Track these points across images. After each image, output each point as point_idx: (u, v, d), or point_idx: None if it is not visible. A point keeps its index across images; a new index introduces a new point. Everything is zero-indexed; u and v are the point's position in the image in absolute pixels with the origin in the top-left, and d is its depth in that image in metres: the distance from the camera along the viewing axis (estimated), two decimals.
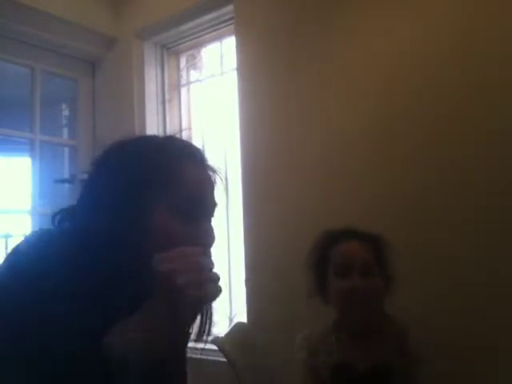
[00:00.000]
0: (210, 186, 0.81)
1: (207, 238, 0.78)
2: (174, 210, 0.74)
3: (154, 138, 0.86)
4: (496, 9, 1.58)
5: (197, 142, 2.62)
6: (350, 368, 1.22)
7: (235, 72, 2.24)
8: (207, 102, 2.58)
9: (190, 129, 2.63)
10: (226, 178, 0.85)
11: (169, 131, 2.59)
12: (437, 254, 1.58)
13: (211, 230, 0.79)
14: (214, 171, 0.85)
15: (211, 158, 0.86)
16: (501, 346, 1.43)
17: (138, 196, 0.74)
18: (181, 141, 0.85)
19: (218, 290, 0.67)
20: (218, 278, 0.68)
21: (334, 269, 1.26)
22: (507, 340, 1.44)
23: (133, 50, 2.59)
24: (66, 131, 2.90)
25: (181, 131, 2.61)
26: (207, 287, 0.65)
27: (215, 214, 0.83)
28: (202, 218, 0.78)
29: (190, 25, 2.44)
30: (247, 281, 2.08)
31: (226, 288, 2.36)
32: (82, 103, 2.71)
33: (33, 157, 2.46)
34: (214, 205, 0.82)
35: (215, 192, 0.82)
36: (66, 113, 2.91)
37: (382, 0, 1.82)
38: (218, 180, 0.85)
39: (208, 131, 2.56)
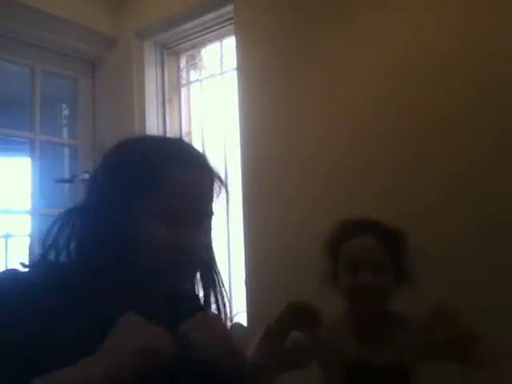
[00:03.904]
0: (200, 192, 0.79)
1: (188, 244, 0.75)
2: (159, 214, 0.74)
3: (147, 140, 0.84)
4: (497, 9, 1.58)
5: (196, 142, 2.62)
6: (367, 364, 1.22)
7: (235, 72, 2.24)
8: (207, 102, 2.58)
9: (189, 129, 2.64)
10: (226, 183, 0.86)
11: (169, 131, 2.59)
12: (439, 247, 1.59)
13: (196, 236, 0.77)
14: (214, 178, 0.83)
15: (213, 165, 0.84)
16: (500, 345, 1.42)
17: (124, 202, 0.74)
18: (177, 144, 0.83)
19: None
20: None
21: (343, 263, 1.27)
22: (507, 336, 1.44)
23: (133, 50, 2.59)
24: (65, 131, 2.90)
25: (180, 131, 2.61)
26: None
27: (210, 221, 0.82)
28: (188, 224, 0.76)
29: (189, 25, 2.44)
30: (247, 281, 2.08)
31: (226, 288, 2.36)
32: (82, 103, 2.71)
33: (33, 157, 2.46)
34: (207, 212, 0.81)
35: (210, 199, 0.82)
36: (66, 113, 2.91)
37: (383, 0, 1.82)
38: (217, 187, 0.84)
39: (208, 131, 2.56)
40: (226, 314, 0.88)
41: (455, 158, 1.63)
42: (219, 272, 0.91)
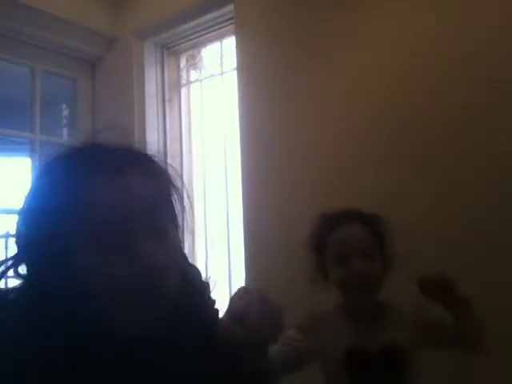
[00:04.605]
0: (134, 199, 0.63)
1: (135, 266, 0.60)
2: (95, 240, 0.60)
3: (55, 163, 0.67)
4: (498, 8, 1.58)
5: (196, 143, 2.59)
6: (363, 351, 1.22)
7: (235, 72, 2.24)
8: (207, 102, 2.58)
9: (189, 129, 2.64)
10: (175, 183, 0.70)
11: (169, 131, 2.59)
12: (440, 247, 1.59)
13: (151, 250, 0.61)
14: (158, 181, 0.67)
15: (157, 165, 0.68)
16: (500, 342, 1.43)
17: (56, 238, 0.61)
18: (88, 151, 0.67)
19: None
20: None
21: (332, 256, 1.26)
22: (506, 329, 1.44)
23: (133, 50, 2.59)
24: (65, 131, 2.90)
25: (180, 131, 2.61)
26: None
27: (168, 228, 0.66)
28: (135, 238, 0.61)
29: (189, 25, 2.44)
30: (247, 280, 2.08)
31: (226, 288, 2.36)
32: (82, 103, 2.71)
33: (33, 157, 2.46)
34: (152, 228, 0.63)
35: (153, 210, 0.65)
36: (65, 113, 2.90)
37: None
38: (163, 182, 0.69)
39: (208, 131, 2.56)
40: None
41: (455, 157, 1.63)
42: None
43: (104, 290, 0.60)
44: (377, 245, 1.25)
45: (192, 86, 2.65)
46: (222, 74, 2.50)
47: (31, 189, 0.66)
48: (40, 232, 0.62)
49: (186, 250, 0.76)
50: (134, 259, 0.60)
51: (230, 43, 2.40)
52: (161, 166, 0.70)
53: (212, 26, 2.44)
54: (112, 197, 0.62)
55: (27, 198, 0.66)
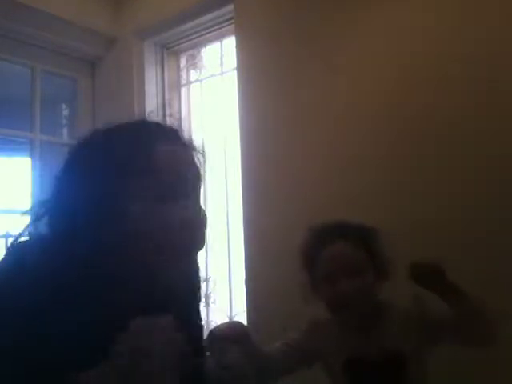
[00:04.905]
0: (185, 164, 0.79)
1: (185, 214, 0.74)
2: (151, 193, 0.73)
3: (123, 125, 0.81)
4: (498, 8, 1.58)
5: (196, 143, 2.61)
6: (364, 352, 1.22)
7: (235, 72, 2.24)
8: (207, 102, 2.58)
9: (189, 129, 2.64)
10: (204, 153, 0.85)
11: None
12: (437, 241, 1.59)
13: (191, 206, 0.77)
14: (192, 148, 0.83)
15: (189, 137, 0.85)
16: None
17: (113, 187, 0.73)
18: (152, 123, 0.83)
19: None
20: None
21: (321, 274, 1.26)
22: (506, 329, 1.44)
23: (132, 50, 2.59)
24: (65, 131, 2.90)
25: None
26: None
27: (198, 190, 0.82)
28: (180, 197, 0.75)
29: (189, 25, 2.45)
30: (247, 281, 2.08)
31: (226, 288, 2.36)
32: (82, 103, 2.71)
33: (33, 157, 2.46)
34: (195, 181, 0.80)
35: (194, 169, 0.81)
36: (65, 113, 2.90)
37: None
38: (198, 156, 0.84)
39: (208, 131, 2.56)
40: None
41: (455, 157, 1.63)
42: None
43: (156, 232, 0.72)
44: (368, 259, 1.23)
45: (192, 85, 2.65)
46: (221, 73, 2.50)
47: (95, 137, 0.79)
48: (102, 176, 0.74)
49: None
50: (184, 209, 0.74)
51: (230, 43, 2.40)
52: (198, 145, 0.85)
53: (212, 26, 2.44)
54: (170, 161, 0.76)
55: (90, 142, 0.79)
